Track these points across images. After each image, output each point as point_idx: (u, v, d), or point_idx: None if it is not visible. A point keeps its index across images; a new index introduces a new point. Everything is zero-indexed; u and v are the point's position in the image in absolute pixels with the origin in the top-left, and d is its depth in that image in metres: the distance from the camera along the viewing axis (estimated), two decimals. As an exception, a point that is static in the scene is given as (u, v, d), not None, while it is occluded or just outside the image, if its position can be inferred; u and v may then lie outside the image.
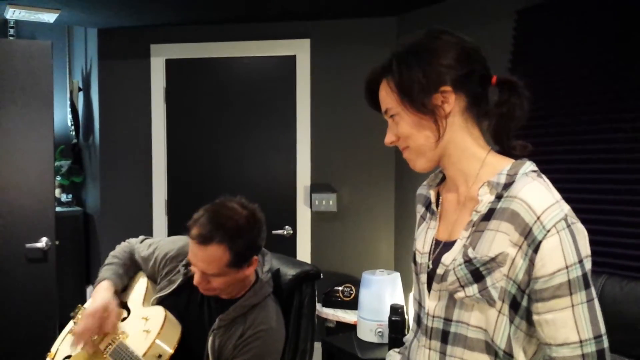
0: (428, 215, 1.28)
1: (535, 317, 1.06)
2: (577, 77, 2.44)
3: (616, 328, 1.83)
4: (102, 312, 1.82)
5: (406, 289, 3.30)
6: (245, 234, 1.74)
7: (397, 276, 3.17)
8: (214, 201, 1.81)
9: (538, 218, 1.02)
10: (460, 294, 1.10)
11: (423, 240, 1.25)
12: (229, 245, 1.69)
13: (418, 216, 1.34)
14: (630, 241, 2.17)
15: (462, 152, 1.15)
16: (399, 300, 3.11)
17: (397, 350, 1.40)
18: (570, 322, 1.02)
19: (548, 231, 1.01)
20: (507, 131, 1.14)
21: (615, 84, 2.29)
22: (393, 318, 2.83)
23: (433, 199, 1.26)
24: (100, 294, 1.88)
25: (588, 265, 1.04)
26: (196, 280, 1.74)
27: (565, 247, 1.01)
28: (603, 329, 1.03)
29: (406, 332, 2.84)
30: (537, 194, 1.04)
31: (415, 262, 1.27)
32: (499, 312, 1.07)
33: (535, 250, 1.02)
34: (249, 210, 1.78)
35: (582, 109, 2.40)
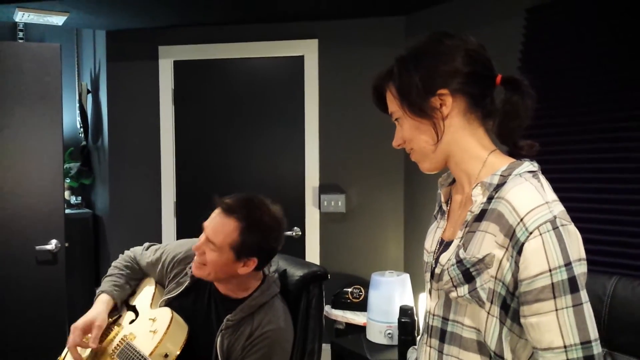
0: (439, 214, 1.29)
1: (522, 320, 1.05)
2: (587, 75, 2.42)
3: (628, 329, 1.81)
4: (84, 327, 1.83)
5: (416, 290, 3.28)
6: (262, 230, 1.77)
7: (406, 277, 3.15)
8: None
9: (521, 220, 1.01)
10: (453, 294, 1.12)
11: (431, 239, 1.26)
12: (242, 228, 1.74)
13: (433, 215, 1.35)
14: (643, 241, 2.14)
15: (465, 153, 1.16)
16: (409, 301, 3.09)
17: (415, 347, 1.41)
18: (554, 326, 0.99)
19: (530, 233, 1.00)
20: (512, 130, 1.13)
21: (625, 82, 2.27)
22: (402, 319, 2.82)
23: (443, 199, 1.27)
24: (93, 309, 1.90)
25: (579, 269, 1.00)
26: (196, 244, 1.79)
27: (549, 249, 0.99)
28: (593, 335, 1.00)
29: (416, 334, 2.83)
30: (524, 195, 1.03)
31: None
32: (488, 313, 1.07)
33: (519, 252, 1.01)
34: (278, 217, 1.83)
35: (592, 108, 2.38)
